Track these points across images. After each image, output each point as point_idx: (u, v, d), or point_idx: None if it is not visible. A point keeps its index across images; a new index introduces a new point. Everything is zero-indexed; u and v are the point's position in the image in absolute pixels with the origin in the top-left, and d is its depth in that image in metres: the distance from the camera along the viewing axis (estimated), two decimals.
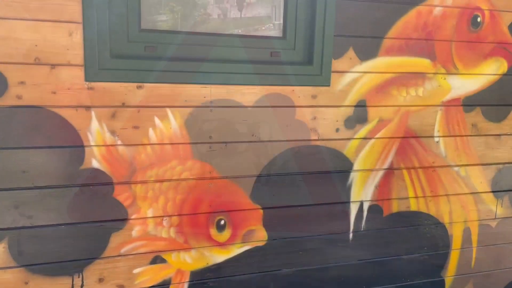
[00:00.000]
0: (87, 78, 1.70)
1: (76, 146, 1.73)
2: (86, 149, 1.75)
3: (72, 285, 1.83)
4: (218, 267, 2.03)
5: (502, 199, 2.47)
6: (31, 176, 1.69)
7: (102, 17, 1.68)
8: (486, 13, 2.20)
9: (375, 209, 2.23)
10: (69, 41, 1.66)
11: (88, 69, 1.69)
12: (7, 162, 1.67)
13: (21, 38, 1.61)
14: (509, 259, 2.57)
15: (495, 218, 2.49)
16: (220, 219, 1.99)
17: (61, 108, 1.69)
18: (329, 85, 2.02)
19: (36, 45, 1.63)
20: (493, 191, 2.43)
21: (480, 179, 2.39)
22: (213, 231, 1.99)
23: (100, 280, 1.87)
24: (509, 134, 2.39)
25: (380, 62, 2.08)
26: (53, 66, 1.65)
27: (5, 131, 1.64)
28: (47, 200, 1.73)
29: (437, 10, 2.11)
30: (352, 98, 2.07)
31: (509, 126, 2.39)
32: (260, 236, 2.07)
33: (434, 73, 2.17)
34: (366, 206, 2.21)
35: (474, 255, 2.49)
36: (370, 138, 2.14)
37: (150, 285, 1.94)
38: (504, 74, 2.30)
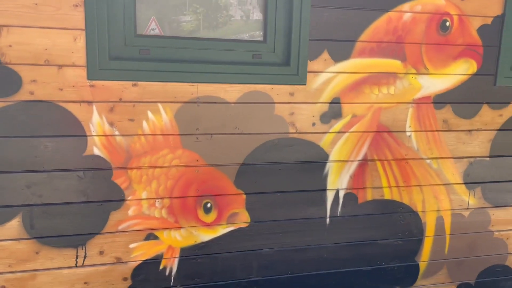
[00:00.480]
0: (89, 77, 1.98)
1: (79, 135, 2.01)
2: (88, 138, 2.03)
3: (77, 256, 2.12)
4: (205, 245, 2.29)
5: (474, 191, 2.65)
6: (42, 160, 1.98)
7: (102, 24, 1.96)
8: (455, 18, 2.39)
9: (350, 196, 2.45)
10: (74, 46, 1.94)
11: (90, 69, 1.97)
12: (22, 149, 1.96)
13: (33, 43, 1.90)
14: (482, 248, 2.75)
15: (468, 208, 2.67)
16: (207, 202, 2.25)
17: (67, 103, 1.98)
18: (305, 84, 2.25)
19: (46, 49, 1.91)
20: (465, 183, 2.62)
21: (452, 171, 2.58)
22: (200, 213, 2.25)
23: (101, 252, 2.15)
24: (479, 130, 2.57)
25: (353, 63, 2.30)
26: (60, 66, 1.94)
27: (19, 122, 1.94)
28: (55, 181, 2.02)
29: (407, 16, 2.32)
30: (327, 95, 2.30)
31: (480, 122, 2.56)
32: (243, 219, 2.32)
33: (405, 73, 2.38)
34: (341, 194, 2.43)
35: (447, 243, 2.68)
36: (344, 132, 2.36)
37: (144, 259, 2.21)
38: (474, 74, 2.48)
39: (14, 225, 2.00)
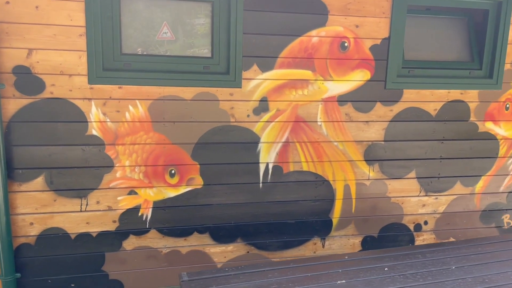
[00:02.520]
0: (89, 82, 2.95)
1: (83, 121, 2.99)
2: (89, 123, 3.00)
3: (81, 204, 3.10)
4: (170, 199, 3.26)
5: (373, 166, 3.58)
6: (58, 137, 2.97)
7: (97, 47, 2.93)
8: (352, 40, 3.31)
9: (277, 168, 3.39)
10: (79, 61, 2.91)
11: (90, 77, 2.94)
12: (45, 130, 2.94)
13: (52, 60, 2.87)
14: (382, 209, 3.67)
15: (369, 179, 3.59)
16: (172, 169, 3.21)
17: (75, 99, 2.96)
18: (241, 87, 3.19)
19: (60, 64, 2.89)
20: (365, 160, 3.55)
21: (354, 151, 3.51)
22: (167, 177, 3.21)
23: (97, 202, 3.13)
24: (375, 121, 3.49)
25: (276, 73, 3.24)
26: (70, 75, 2.92)
27: (44, 111, 2.92)
28: (66, 152, 3.00)
29: (315, 39, 3.25)
30: (257, 95, 3.24)
31: (375, 115, 3.48)
32: (198, 182, 3.28)
33: (315, 80, 3.31)
34: (270, 166, 3.38)
35: (354, 204, 3.61)
36: (271, 122, 3.30)
37: (127, 208, 3.19)
38: (368, 80, 3.40)
39: (39, 181, 3.00)
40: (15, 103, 2.87)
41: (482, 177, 3.82)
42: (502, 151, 3.82)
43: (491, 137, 3.76)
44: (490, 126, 3.74)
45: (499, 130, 3.76)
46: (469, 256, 2.45)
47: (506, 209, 3.95)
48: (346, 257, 2.49)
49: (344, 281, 2.12)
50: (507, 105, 3.74)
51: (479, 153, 3.76)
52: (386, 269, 2.27)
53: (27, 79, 2.87)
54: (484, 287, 2.09)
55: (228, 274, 2.22)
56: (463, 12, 3.68)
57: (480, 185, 3.83)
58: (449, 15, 3.68)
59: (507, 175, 3.88)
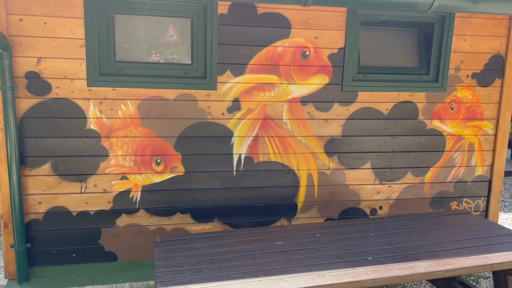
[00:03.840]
0: (88, 85, 3.55)
1: (82, 117, 3.59)
2: (87, 119, 3.60)
3: (81, 186, 3.70)
4: (157, 184, 3.84)
5: (333, 158, 4.14)
6: (62, 131, 3.57)
7: (95, 56, 3.52)
8: (312, 49, 3.88)
9: (248, 158, 3.97)
10: (79, 68, 3.51)
11: (88, 80, 3.54)
12: (52, 125, 3.54)
13: (58, 67, 3.47)
14: (341, 195, 4.23)
15: (329, 169, 4.16)
16: (157, 159, 3.80)
17: (76, 99, 3.55)
18: (216, 90, 3.77)
19: (64, 70, 3.49)
20: (325, 152, 4.11)
21: (316, 145, 4.07)
22: (153, 165, 3.80)
23: (95, 185, 3.73)
24: (334, 119, 4.05)
25: (246, 77, 3.81)
26: (72, 79, 3.51)
27: (50, 109, 3.52)
28: (69, 143, 3.60)
29: (280, 49, 3.81)
30: (230, 96, 3.82)
31: (334, 114, 4.04)
32: (180, 170, 3.86)
33: (280, 83, 3.88)
34: (243, 157, 3.96)
35: (316, 191, 4.18)
36: (243, 119, 3.88)
37: (120, 191, 3.78)
38: (327, 84, 3.97)
39: (47, 167, 3.60)
40: (26, 102, 3.48)
41: (431, 168, 4.37)
42: (448, 145, 4.36)
43: (438, 133, 4.31)
44: (437, 124, 4.29)
45: (445, 127, 4.31)
46: (388, 226, 3.00)
47: (453, 197, 4.50)
48: (290, 227, 3.05)
49: (281, 242, 2.68)
50: (452, 106, 4.28)
51: (427, 147, 4.31)
52: (317, 234, 2.83)
53: (36, 83, 3.47)
54: (389, 246, 2.64)
55: (192, 237, 2.79)
56: (414, 24, 4.23)
57: (429, 175, 4.39)
58: (402, 27, 4.23)
59: (454, 166, 4.43)
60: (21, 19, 3.36)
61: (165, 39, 3.66)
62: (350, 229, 2.96)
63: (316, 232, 2.87)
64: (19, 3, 3.34)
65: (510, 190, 7.06)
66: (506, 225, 5.45)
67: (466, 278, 4.01)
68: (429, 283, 3.85)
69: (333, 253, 2.55)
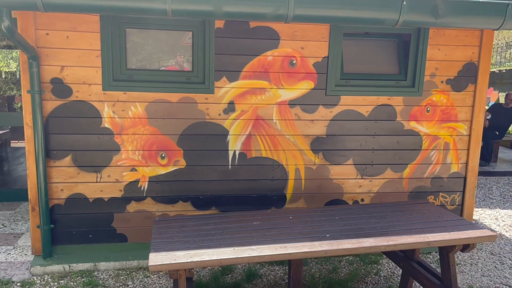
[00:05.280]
0: (103, 89, 4.14)
1: (98, 117, 4.19)
2: (102, 119, 4.20)
3: (97, 176, 4.30)
4: (162, 175, 4.42)
5: (318, 154, 4.64)
6: (81, 128, 4.17)
7: (109, 64, 4.11)
8: (298, 58, 4.39)
9: (242, 154, 4.51)
10: (96, 75, 4.11)
11: (103, 85, 4.13)
12: (72, 123, 4.15)
13: (78, 74, 4.08)
14: (326, 188, 4.73)
15: (315, 164, 4.66)
16: (162, 153, 4.37)
17: (93, 102, 4.15)
18: (214, 93, 4.32)
19: (83, 76, 4.09)
20: (311, 149, 4.61)
21: (303, 143, 4.58)
22: (159, 159, 4.38)
23: (108, 176, 4.32)
24: (319, 120, 4.55)
25: (240, 83, 4.35)
26: (89, 84, 4.12)
27: (71, 111, 4.13)
28: (86, 139, 4.21)
29: (270, 58, 4.34)
30: (226, 99, 4.36)
31: (319, 115, 4.55)
32: (182, 163, 4.43)
33: (270, 88, 4.40)
34: (237, 153, 4.50)
35: (303, 183, 4.68)
36: (237, 119, 4.42)
37: (130, 181, 4.37)
38: (312, 89, 4.47)
39: (68, 159, 4.21)
40: (51, 104, 4.09)
41: (409, 165, 4.84)
42: (425, 144, 4.82)
43: (415, 134, 4.77)
44: (414, 125, 4.75)
45: (421, 128, 4.77)
46: (352, 212, 3.48)
47: (430, 192, 4.94)
48: (269, 211, 3.57)
49: (258, 222, 3.21)
50: (428, 109, 4.73)
51: (405, 146, 4.77)
52: (290, 217, 3.34)
53: (60, 87, 4.08)
54: (347, 227, 3.13)
55: (184, 218, 3.34)
56: (393, 35, 4.70)
57: (407, 171, 4.85)
58: (383, 37, 4.71)
59: (430, 164, 4.87)
60: (47, 34, 3.97)
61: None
62: (319, 214, 3.46)
63: (290, 215, 3.38)
64: (46, 19, 3.96)
65: (501, 189, 7.42)
66: (488, 219, 5.86)
67: (425, 259, 4.46)
68: (397, 267, 4.32)
69: (299, 231, 3.06)
